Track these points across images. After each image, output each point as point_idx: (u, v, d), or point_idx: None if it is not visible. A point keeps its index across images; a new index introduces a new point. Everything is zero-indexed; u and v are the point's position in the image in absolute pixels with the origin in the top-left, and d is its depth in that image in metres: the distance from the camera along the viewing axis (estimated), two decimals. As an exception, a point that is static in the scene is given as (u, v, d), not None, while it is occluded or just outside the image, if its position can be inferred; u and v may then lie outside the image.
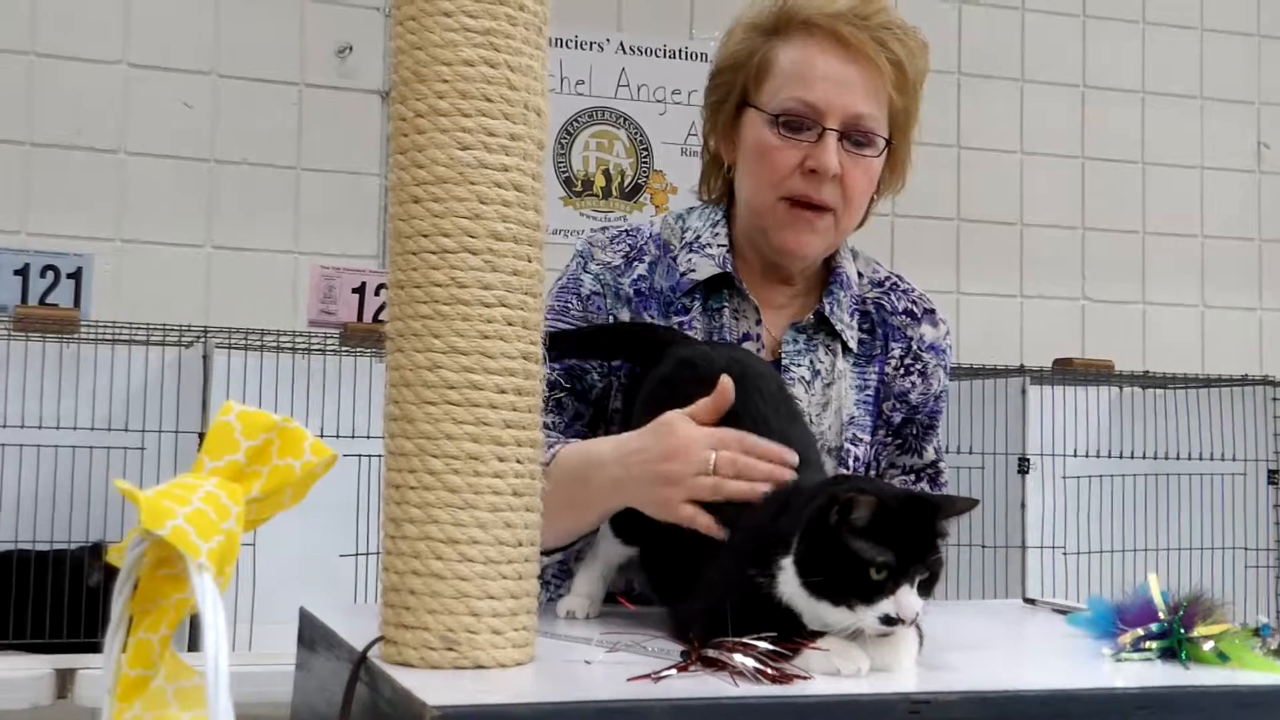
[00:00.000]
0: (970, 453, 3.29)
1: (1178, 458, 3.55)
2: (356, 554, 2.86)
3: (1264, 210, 4.36)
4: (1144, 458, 3.57)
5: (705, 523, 1.27)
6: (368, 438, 2.72)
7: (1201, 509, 3.55)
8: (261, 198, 3.45)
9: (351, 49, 3.53)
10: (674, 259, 1.68)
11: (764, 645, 1.05)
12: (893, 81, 1.62)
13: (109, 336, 2.92)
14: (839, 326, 1.69)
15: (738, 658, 1.03)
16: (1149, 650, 1.18)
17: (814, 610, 1.08)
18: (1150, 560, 3.47)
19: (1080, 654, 1.22)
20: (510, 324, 1.08)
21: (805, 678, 1.03)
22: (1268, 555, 3.49)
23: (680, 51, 3.79)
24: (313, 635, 1.36)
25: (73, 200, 3.30)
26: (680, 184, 3.76)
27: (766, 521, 1.18)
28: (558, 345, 1.53)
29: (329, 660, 1.26)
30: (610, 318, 1.65)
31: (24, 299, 2.87)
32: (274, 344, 2.93)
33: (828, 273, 1.73)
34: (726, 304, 1.67)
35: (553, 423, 1.61)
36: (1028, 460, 3.28)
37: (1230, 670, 1.14)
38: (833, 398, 1.68)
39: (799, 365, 1.67)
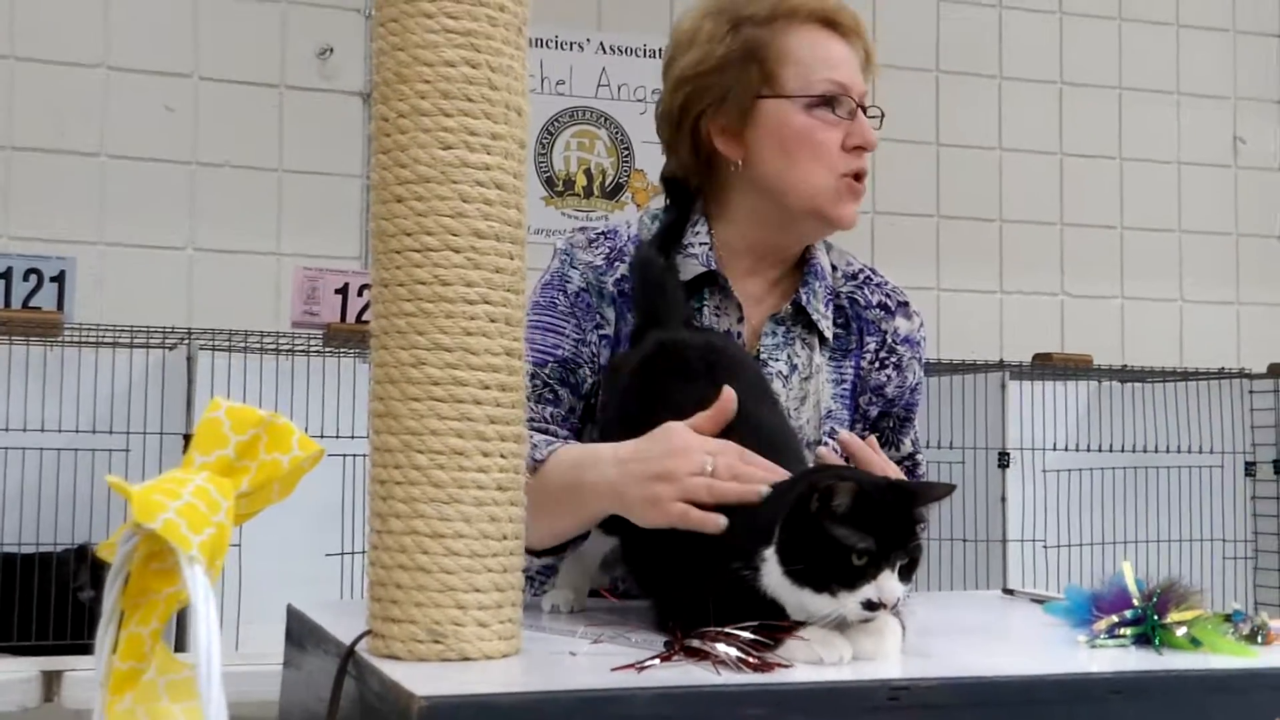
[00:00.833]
0: (951, 447, 3.32)
1: (1156, 451, 3.58)
2: (342, 553, 2.87)
3: (1240, 205, 4.40)
4: (1123, 451, 3.60)
5: (698, 517, 1.26)
6: (352, 437, 2.73)
7: (1180, 501, 3.58)
8: (243, 199, 3.45)
9: (332, 50, 3.54)
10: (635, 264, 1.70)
11: (746, 635, 1.06)
12: (865, 60, 1.72)
13: (93, 339, 2.92)
14: (815, 317, 1.70)
15: (720, 647, 1.05)
16: (1124, 637, 1.20)
17: (797, 599, 1.10)
18: (1129, 553, 3.50)
19: (1057, 641, 1.24)
20: (493, 320, 1.10)
21: (787, 666, 1.05)
22: (1245, 546, 3.53)
23: (660, 51, 3.80)
24: (301, 632, 1.37)
25: (55, 203, 3.30)
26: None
27: (748, 514, 1.20)
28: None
29: (317, 656, 1.27)
30: (597, 316, 1.66)
31: (7, 302, 2.87)
32: (258, 345, 2.93)
33: (803, 263, 1.74)
34: (707, 302, 1.69)
35: (551, 414, 1.62)
36: (1008, 454, 3.30)
37: (1203, 655, 1.16)
38: (810, 392, 1.69)
39: (776, 360, 1.68)
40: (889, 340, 1.75)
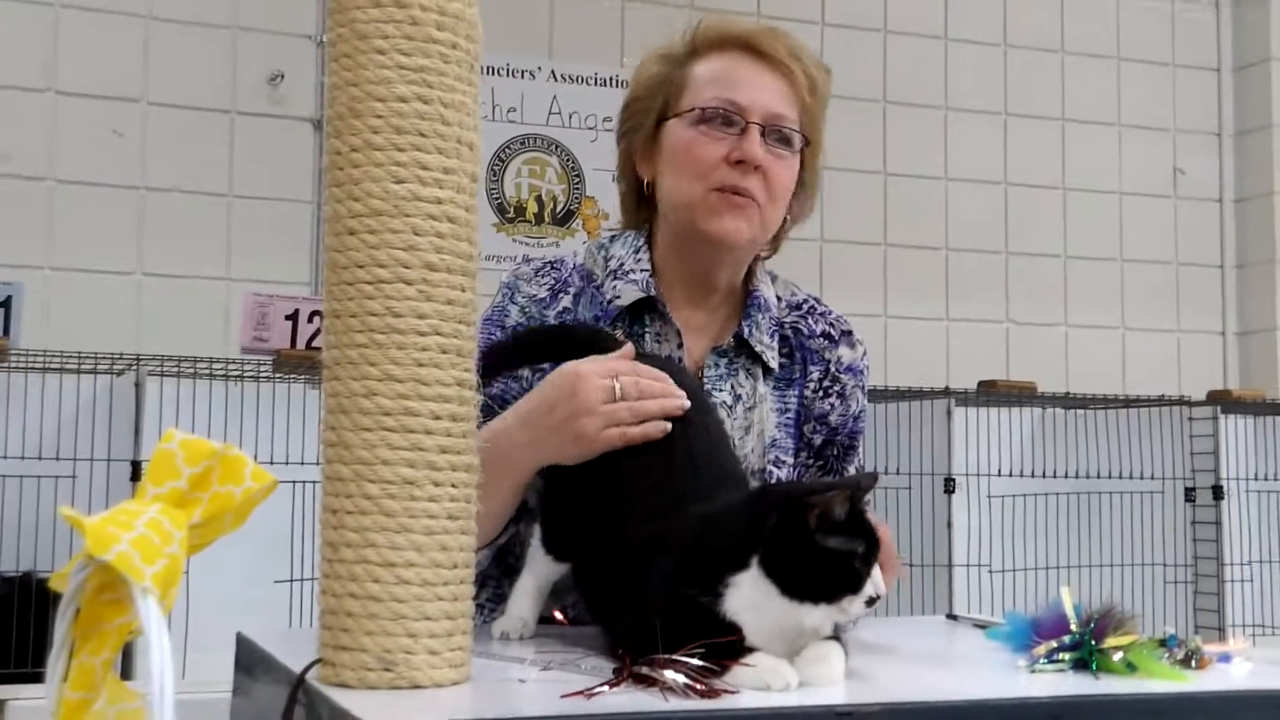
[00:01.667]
0: (898, 473, 3.35)
1: (1098, 476, 3.64)
2: (291, 580, 2.86)
3: (1180, 234, 4.48)
4: (1066, 477, 3.66)
5: (639, 432, 1.29)
6: (301, 464, 2.73)
7: (1121, 526, 3.64)
8: (193, 225, 3.44)
9: (283, 77, 3.54)
10: (598, 288, 1.71)
11: (694, 662, 1.08)
12: (806, 88, 1.71)
13: (39, 365, 2.91)
14: (759, 348, 1.72)
15: (668, 674, 1.06)
16: (1062, 661, 1.22)
17: (787, 613, 1.12)
18: (1073, 577, 3.54)
19: (997, 666, 1.27)
20: (445, 352, 1.11)
21: (734, 692, 1.06)
22: (1185, 571, 3.58)
23: (611, 80, 3.84)
24: (250, 660, 1.37)
25: (2, 228, 3.27)
26: (612, 210, 3.78)
27: (700, 540, 1.21)
28: (490, 364, 1.56)
29: (267, 684, 1.28)
30: None
31: (-47, 328, 2.85)
32: (207, 371, 2.93)
33: (746, 295, 1.77)
34: (648, 329, 1.71)
35: None
36: (953, 480, 3.34)
37: (1138, 679, 1.18)
38: (754, 421, 1.71)
39: (720, 390, 1.70)
40: (832, 369, 1.77)
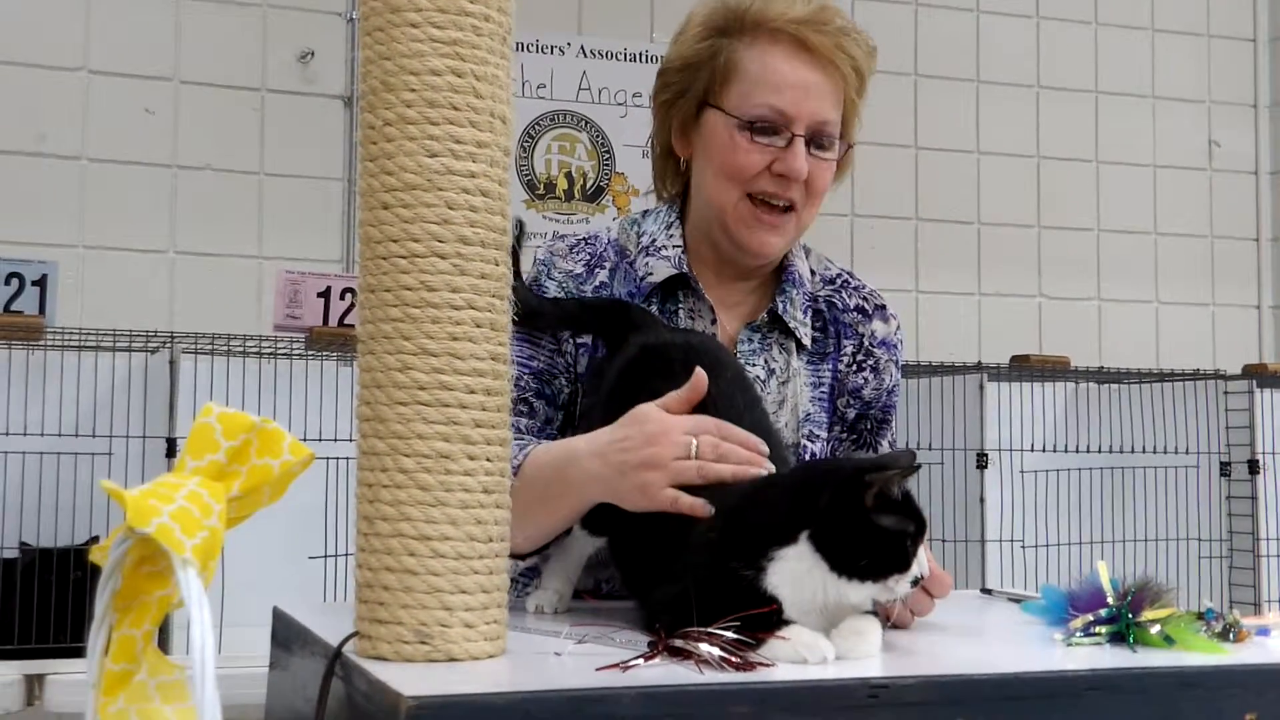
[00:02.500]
0: (930, 449, 3.34)
1: (1133, 451, 3.61)
2: (326, 556, 2.87)
3: (1215, 207, 4.44)
4: (1100, 452, 3.63)
5: (689, 503, 1.27)
6: (334, 440, 2.74)
7: (1156, 501, 3.61)
8: (225, 203, 3.45)
9: (314, 54, 3.54)
10: (631, 264, 1.71)
11: (729, 635, 1.08)
12: (854, 86, 1.67)
13: (75, 343, 2.93)
14: (793, 324, 1.72)
15: (703, 647, 1.07)
16: (1099, 635, 1.22)
17: (832, 589, 1.13)
18: (1107, 552, 3.52)
19: (1033, 639, 1.27)
20: (479, 326, 1.11)
21: (769, 665, 1.06)
22: (1220, 546, 3.56)
23: (641, 55, 3.83)
24: (287, 634, 1.38)
25: (36, 207, 3.30)
26: (642, 186, 3.79)
27: (743, 514, 1.21)
28: (535, 318, 1.56)
29: (304, 658, 1.29)
30: None
31: (-12, 307, 2.87)
32: (240, 349, 2.94)
33: (780, 271, 1.76)
34: (682, 305, 1.70)
35: (526, 425, 1.62)
36: (986, 456, 3.33)
37: (1176, 653, 1.18)
38: (788, 396, 1.71)
39: (754, 365, 1.70)
40: (866, 343, 1.77)
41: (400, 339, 1.10)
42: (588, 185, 3.83)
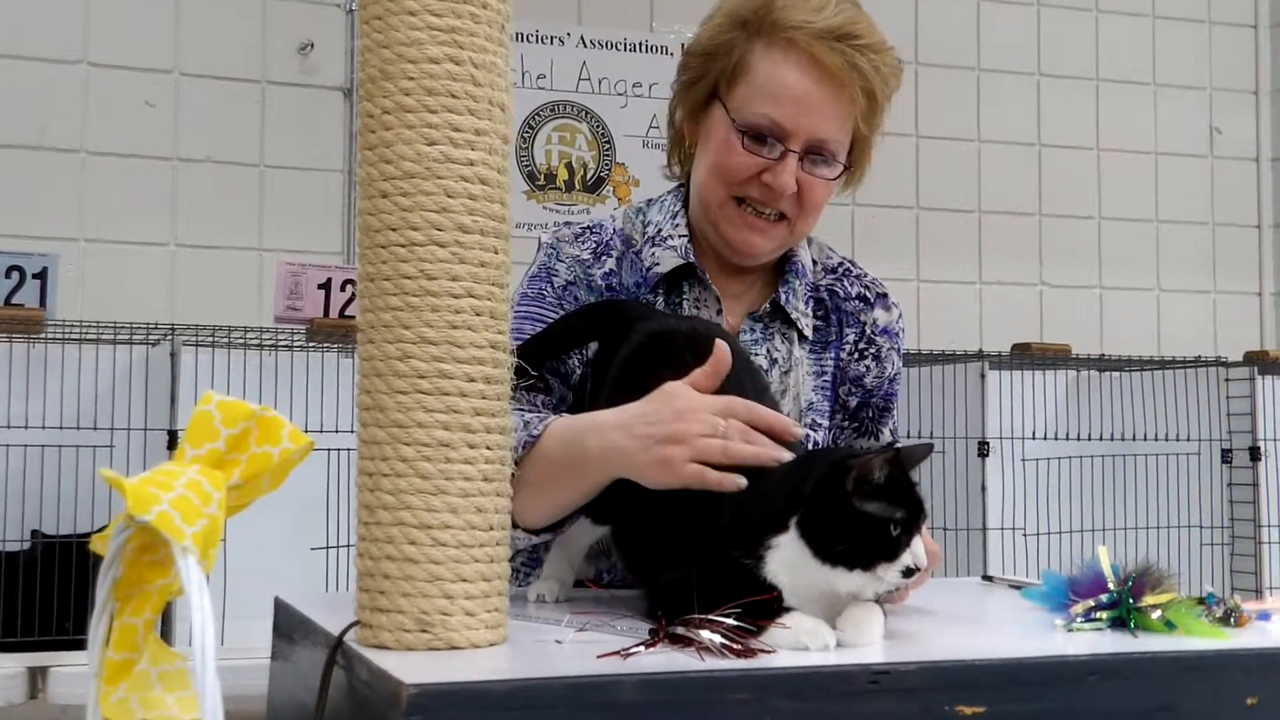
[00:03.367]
0: (932, 437, 3.34)
1: (1134, 439, 3.62)
2: (327, 547, 2.88)
3: (1216, 194, 4.44)
4: (1101, 439, 3.64)
5: (717, 478, 1.25)
6: (335, 432, 2.74)
7: (1158, 489, 3.61)
8: (225, 195, 3.46)
9: (313, 46, 3.54)
10: (637, 254, 1.71)
11: (730, 622, 1.08)
12: (862, 111, 1.64)
13: (76, 336, 2.93)
14: (794, 315, 1.72)
15: (704, 634, 1.07)
16: (1100, 620, 1.22)
17: (822, 578, 1.12)
18: (1108, 540, 3.53)
19: (1034, 625, 1.26)
20: (478, 314, 1.11)
21: (770, 652, 1.06)
22: (1222, 532, 3.56)
23: (641, 45, 3.82)
24: (289, 624, 1.38)
25: (37, 200, 3.30)
26: (642, 176, 3.79)
27: (744, 502, 1.21)
28: (532, 353, 1.53)
29: (305, 647, 1.29)
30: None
31: (-11, 300, 2.87)
32: (241, 341, 2.94)
33: (783, 261, 1.76)
34: (687, 296, 1.70)
35: (543, 401, 1.62)
36: (987, 444, 3.33)
37: (1176, 638, 1.18)
38: (790, 385, 1.71)
39: (757, 354, 1.69)
40: (868, 331, 1.77)
41: (400, 328, 1.10)
42: (588, 176, 3.82)
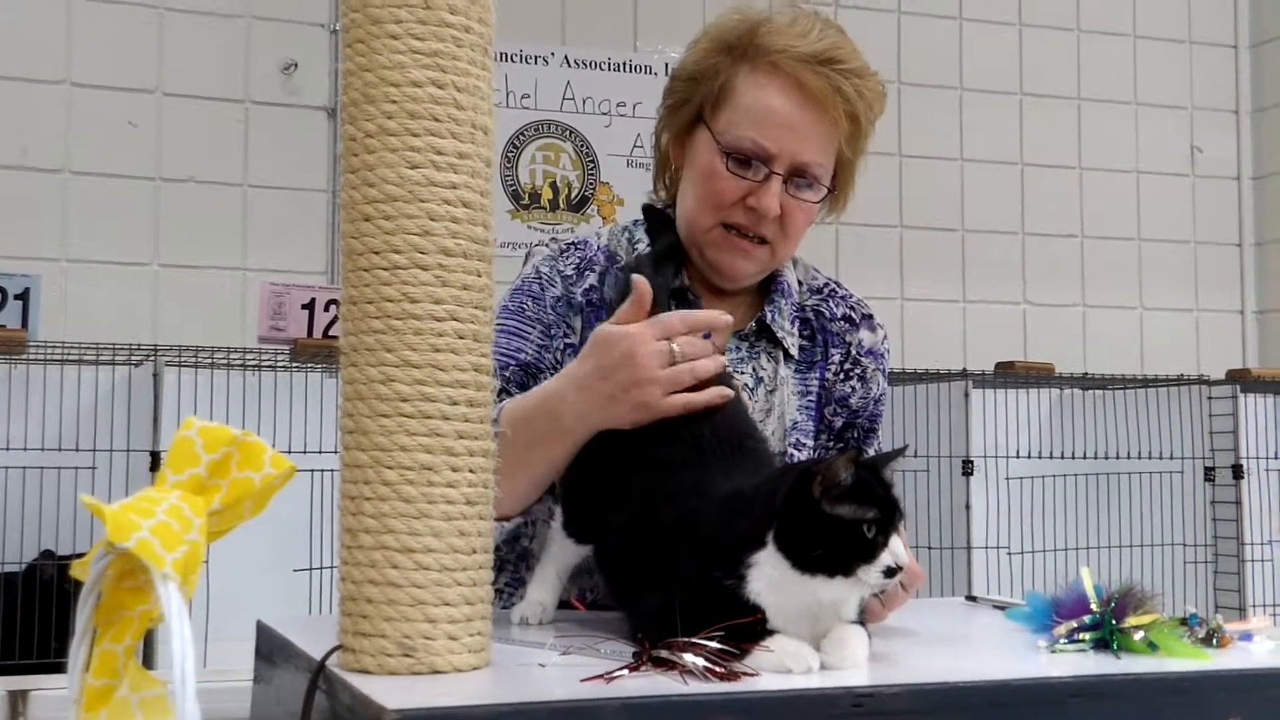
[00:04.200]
0: (915, 455, 3.34)
1: (1117, 457, 3.63)
2: (310, 569, 2.87)
3: (1198, 213, 4.46)
4: (1085, 458, 3.65)
5: (705, 398, 1.28)
6: (319, 453, 2.74)
7: (1141, 507, 3.62)
8: (208, 215, 3.44)
9: (297, 66, 3.54)
10: (621, 269, 1.71)
11: (714, 645, 1.08)
12: (846, 134, 1.66)
13: (58, 357, 2.92)
14: (780, 334, 1.73)
15: (688, 657, 1.07)
16: (1083, 641, 1.22)
17: (805, 589, 1.11)
18: (1092, 558, 3.54)
19: (1018, 646, 1.27)
20: (461, 337, 1.11)
21: (753, 675, 1.06)
22: (1205, 551, 3.57)
23: (625, 64, 3.83)
24: (271, 648, 1.38)
25: (18, 220, 3.28)
26: (627, 195, 3.80)
27: (723, 522, 1.21)
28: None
29: (288, 671, 1.28)
30: (564, 323, 1.68)
31: (-29, 321, 2.86)
32: (224, 361, 2.93)
33: (769, 281, 1.76)
34: (674, 314, 1.70)
35: None
36: (971, 462, 3.34)
37: (1160, 659, 1.18)
38: (775, 404, 1.71)
39: (742, 373, 1.70)
40: (853, 352, 1.77)
41: (383, 351, 1.10)
42: (573, 195, 3.83)
